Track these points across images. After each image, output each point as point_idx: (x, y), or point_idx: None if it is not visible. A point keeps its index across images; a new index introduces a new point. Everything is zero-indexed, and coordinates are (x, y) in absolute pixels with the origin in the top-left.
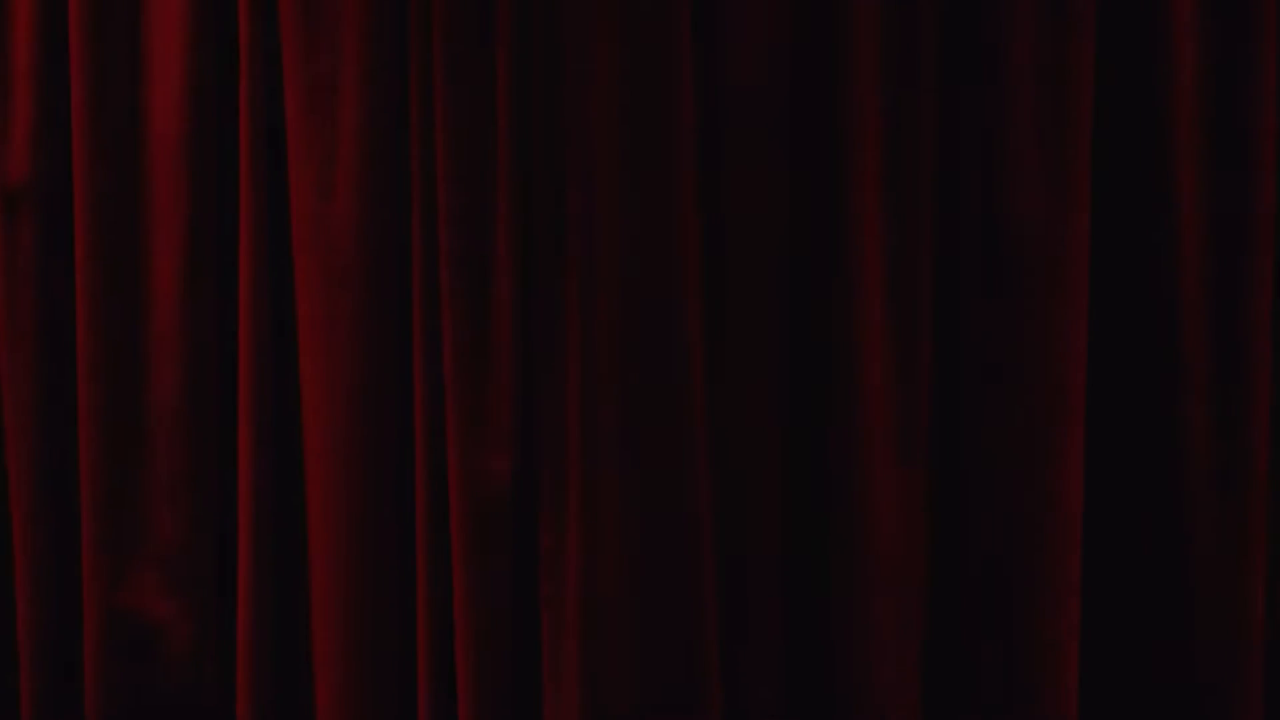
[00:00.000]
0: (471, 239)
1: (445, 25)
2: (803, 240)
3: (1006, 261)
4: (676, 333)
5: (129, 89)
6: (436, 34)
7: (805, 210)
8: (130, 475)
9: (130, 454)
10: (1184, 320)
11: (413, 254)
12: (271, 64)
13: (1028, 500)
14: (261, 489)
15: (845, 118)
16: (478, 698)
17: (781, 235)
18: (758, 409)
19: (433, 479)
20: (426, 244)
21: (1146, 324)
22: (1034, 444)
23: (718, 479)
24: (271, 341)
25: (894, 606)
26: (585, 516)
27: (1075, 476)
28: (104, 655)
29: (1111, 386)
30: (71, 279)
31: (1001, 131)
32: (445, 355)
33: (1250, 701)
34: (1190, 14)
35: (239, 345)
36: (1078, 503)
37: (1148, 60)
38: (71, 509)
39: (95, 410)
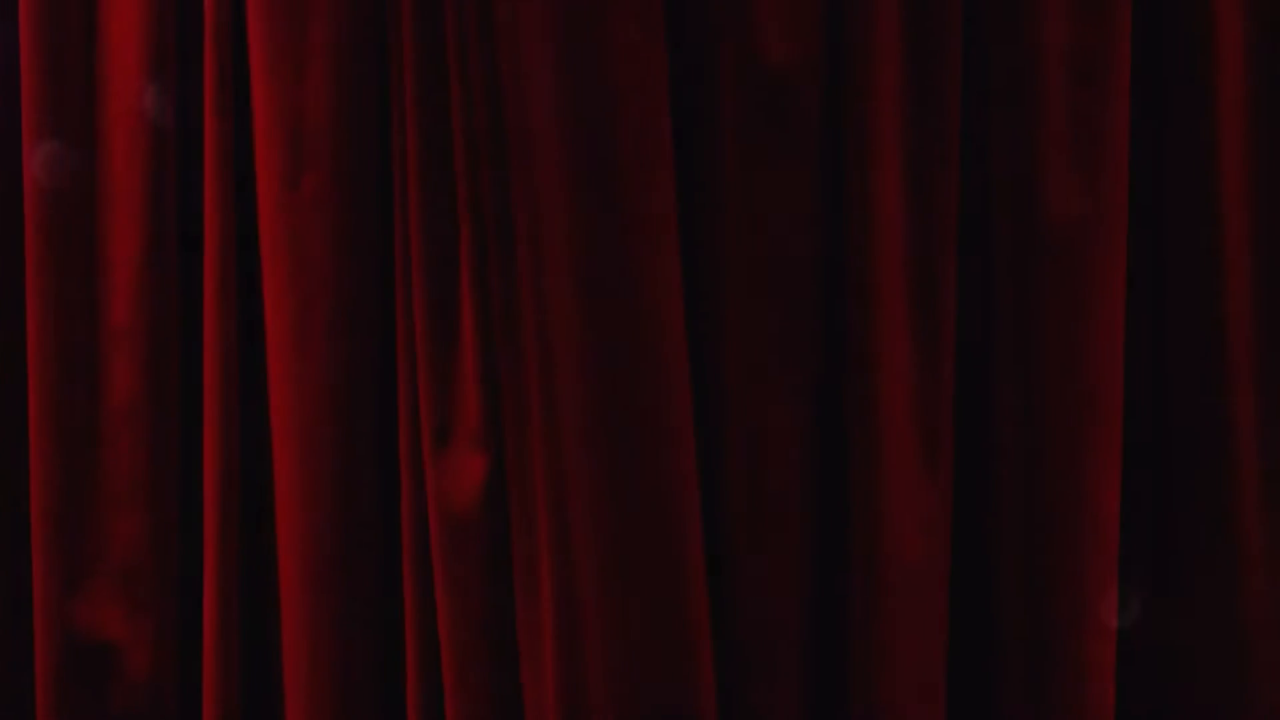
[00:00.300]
0: (436, 232)
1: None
2: (815, 236)
3: (1037, 262)
4: (645, 328)
5: (84, 67)
6: (406, 18)
7: (818, 204)
8: (85, 482)
9: (85, 459)
10: (1229, 319)
11: (394, 246)
12: (240, 42)
13: (1059, 508)
14: (228, 497)
15: (862, 105)
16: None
17: (789, 229)
18: (765, 412)
19: (409, 484)
20: (401, 236)
21: (1190, 323)
22: (1067, 450)
23: (714, 485)
24: (238, 337)
25: (916, 623)
26: (555, 522)
27: (1111, 484)
28: (57, 680)
29: (1153, 388)
30: (22, 269)
31: (1032, 123)
32: (419, 355)
33: None
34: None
35: (203, 342)
36: (1114, 511)
37: (1190, 47)
38: (21, 519)
39: (47, 411)
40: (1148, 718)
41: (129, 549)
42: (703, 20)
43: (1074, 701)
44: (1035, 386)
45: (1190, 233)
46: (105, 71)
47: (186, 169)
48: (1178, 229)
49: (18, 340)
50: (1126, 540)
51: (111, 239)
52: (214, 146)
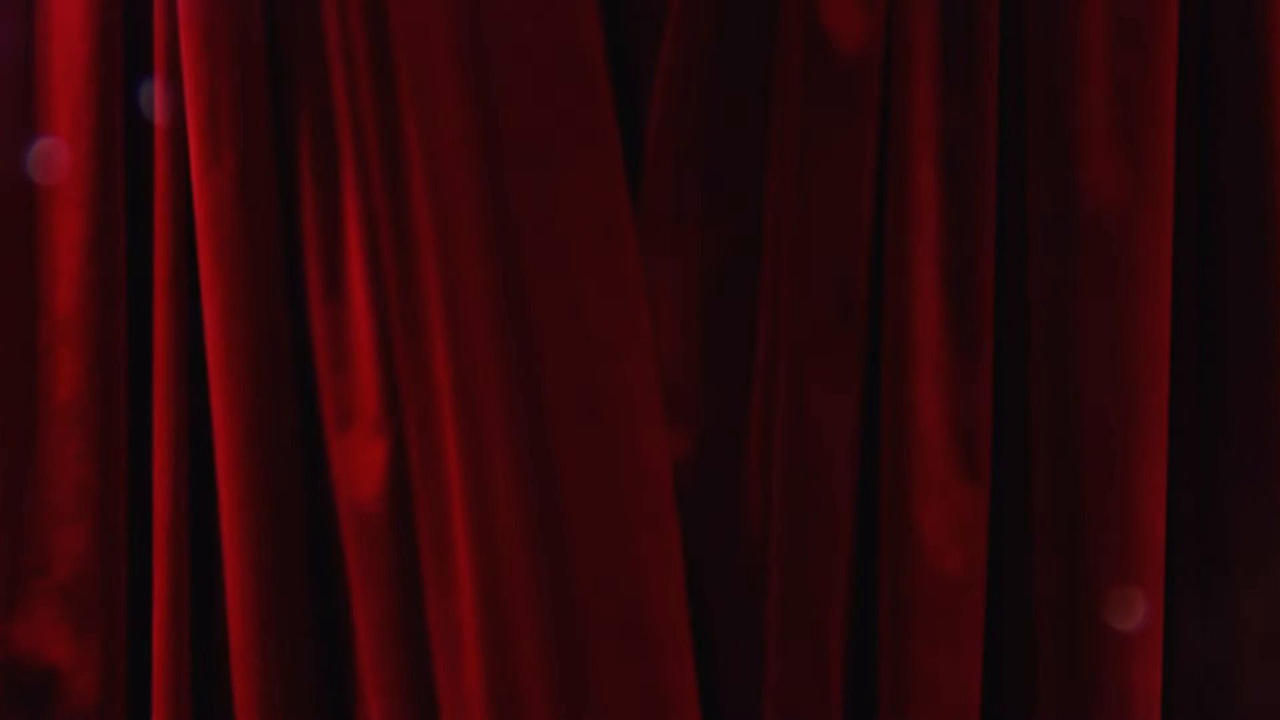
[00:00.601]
0: (327, 216)
1: None
2: (864, 222)
3: (1076, 248)
4: (587, 304)
5: (25, 46)
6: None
7: (870, 188)
8: (25, 489)
9: (25, 463)
10: None
11: (302, 223)
12: None
13: (1100, 518)
14: (179, 506)
15: (900, 82)
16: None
17: (842, 212)
18: (817, 402)
19: (325, 478)
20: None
21: (1239, 312)
22: (1109, 450)
23: (759, 478)
24: (189, 330)
25: (950, 642)
26: (472, 509)
27: (1157, 490)
28: None
29: (1202, 383)
30: None
31: (1071, 99)
32: (315, 341)
33: None
34: None
35: (153, 335)
36: (1159, 519)
37: (1241, 12)
38: None
39: None
40: None
41: (73, 563)
42: None
43: None
44: (1074, 383)
45: (1241, 215)
46: (49, 51)
47: (135, 150)
48: (1227, 211)
49: None
50: (1169, 550)
51: (55, 225)
52: (163, 127)
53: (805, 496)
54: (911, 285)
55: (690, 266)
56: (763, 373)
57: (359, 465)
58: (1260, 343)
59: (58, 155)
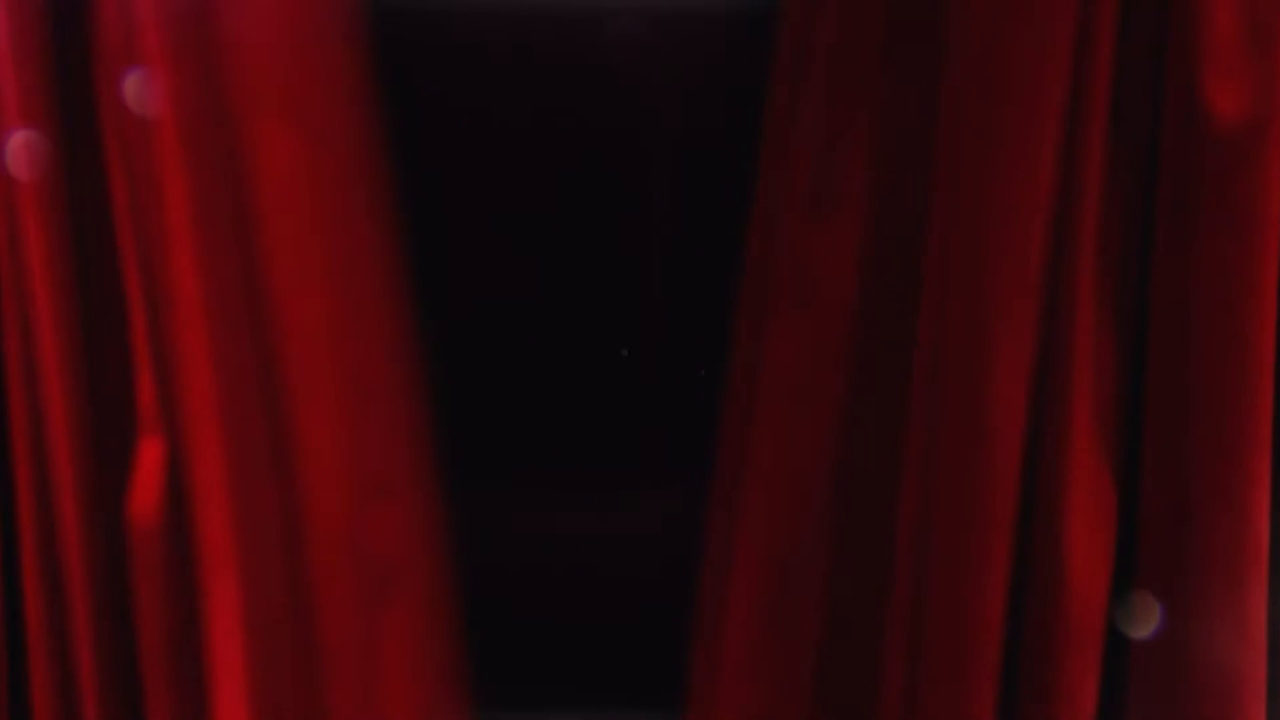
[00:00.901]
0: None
1: None
2: (1018, 182)
3: (1201, 162)
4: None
5: None
6: None
7: (1025, 137)
8: None
9: None
10: None
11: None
12: None
13: (1204, 531)
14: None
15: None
16: None
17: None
18: (982, 394)
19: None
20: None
21: None
22: (1216, 446)
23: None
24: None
25: (1086, 652)
26: (243, 524)
27: (1261, 494)
28: None
29: None
30: None
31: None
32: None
33: None
34: None
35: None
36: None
37: None
38: None
39: None
40: None
41: None
42: None
43: None
44: (1188, 374)
45: None
46: None
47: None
48: None
49: None
50: None
51: None
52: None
53: (969, 494)
54: (1077, 257)
55: (843, 246)
56: (927, 350)
57: (138, 468)
58: None
59: None
